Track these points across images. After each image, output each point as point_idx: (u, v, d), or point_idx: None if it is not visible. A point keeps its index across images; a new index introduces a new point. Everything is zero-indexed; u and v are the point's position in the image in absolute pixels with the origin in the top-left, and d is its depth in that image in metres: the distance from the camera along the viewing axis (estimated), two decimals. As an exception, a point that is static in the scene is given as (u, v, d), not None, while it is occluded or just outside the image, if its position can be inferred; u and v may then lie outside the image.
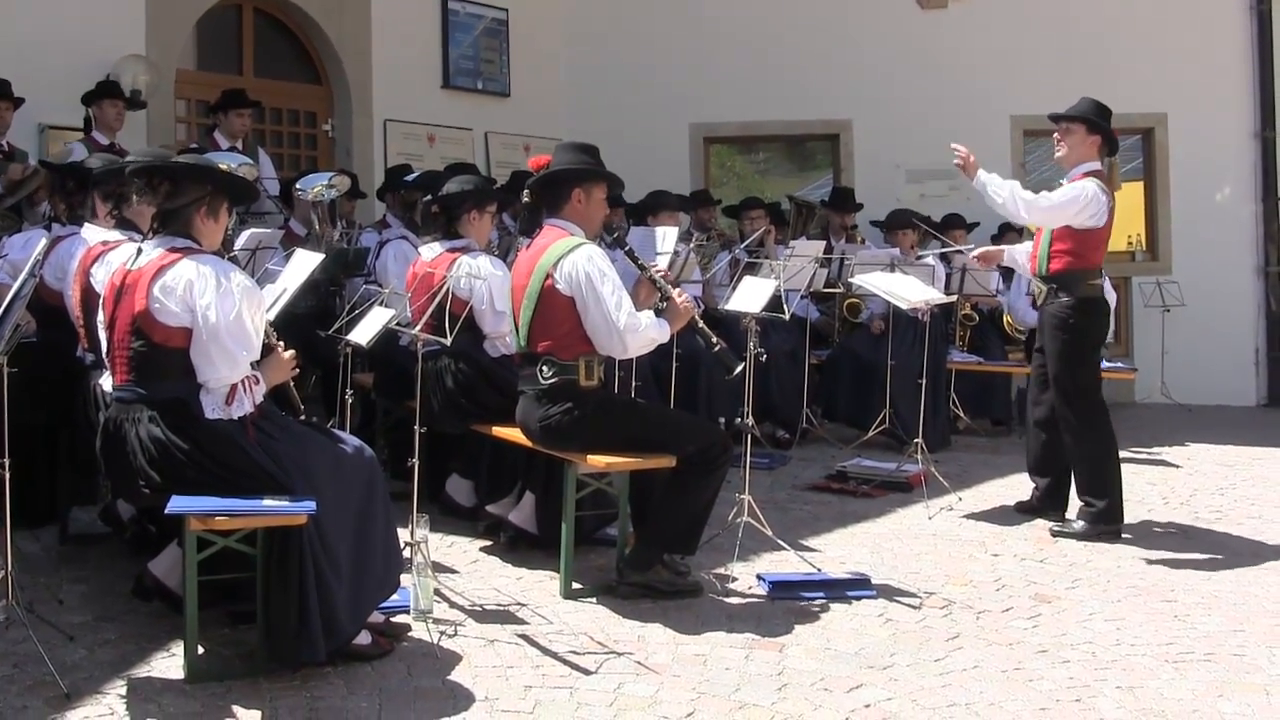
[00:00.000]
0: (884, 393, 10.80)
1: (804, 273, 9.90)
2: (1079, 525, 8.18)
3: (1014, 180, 8.30)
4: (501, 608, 6.39)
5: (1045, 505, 8.53)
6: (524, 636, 5.94)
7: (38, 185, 8.67)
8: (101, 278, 6.27)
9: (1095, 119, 8.27)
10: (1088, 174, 8.15)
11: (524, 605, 6.43)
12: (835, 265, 11.32)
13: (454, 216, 7.90)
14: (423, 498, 6.56)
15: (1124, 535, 8.09)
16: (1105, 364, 11.25)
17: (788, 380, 11.26)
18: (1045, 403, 8.41)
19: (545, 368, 6.51)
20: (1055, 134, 8.44)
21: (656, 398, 9.03)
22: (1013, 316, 12.49)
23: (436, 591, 6.34)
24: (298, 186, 9.96)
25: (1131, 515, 8.61)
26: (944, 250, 10.67)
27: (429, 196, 8.45)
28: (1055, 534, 8.20)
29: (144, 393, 5.31)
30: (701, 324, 6.91)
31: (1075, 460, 8.28)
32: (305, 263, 6.77)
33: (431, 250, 7.90)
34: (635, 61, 15.02)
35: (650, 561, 6.59)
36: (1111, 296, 12.03)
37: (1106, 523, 8.11)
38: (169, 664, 5.45)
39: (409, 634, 5.86)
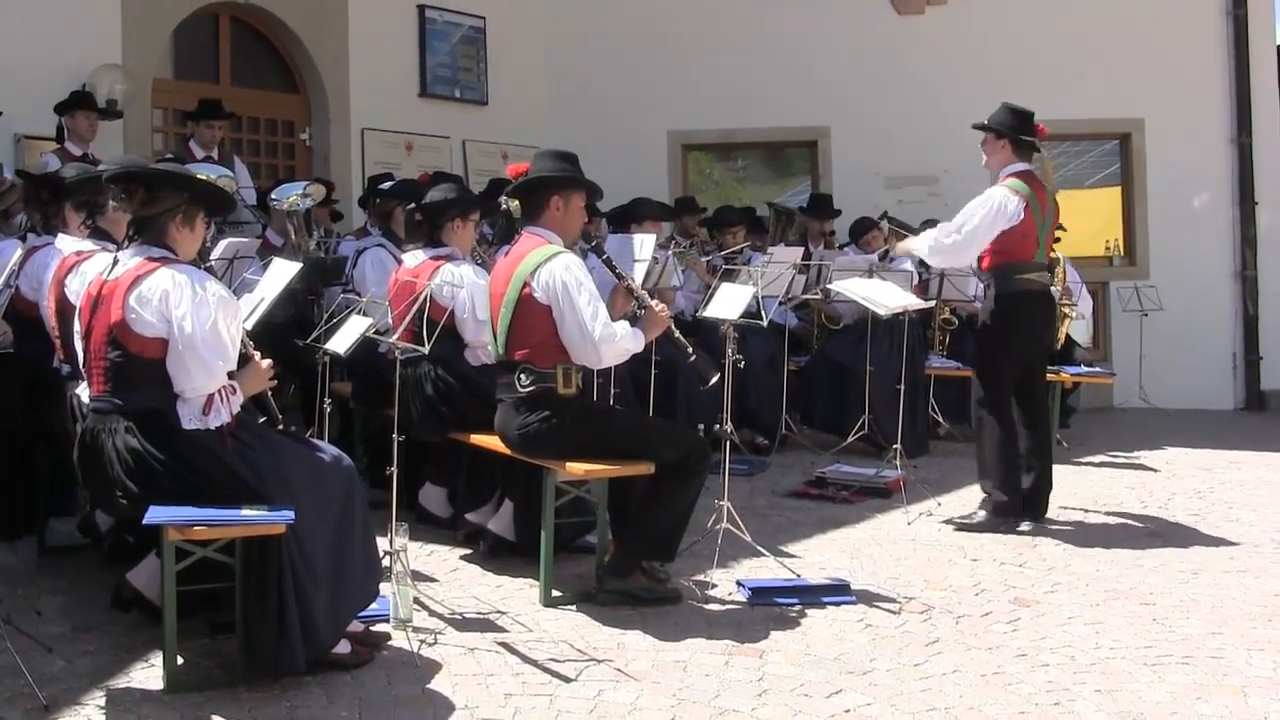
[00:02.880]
0: (862, 398, 10.83)
1: (782, 279, 9.91)
2: (980, 516, 8.43)
3: (926, 232, 8.65)
4: (481, 616, 6.39)
5: (1028, 510, 8.57)
6: (504, 644, 5.94)
7: (15, 198, 8.64)
8: (76, 288, 6.26)
9: (995, 126, 8.58)
10: (1013, 174, 8.41)
11: (504, 613, 6.43)
12: (813, 271, 11.32)
13: (437, 225, 7.89)
14: (402, 506, 6.56)
15: (1102, 539, 8.15)
16: (1084, 369, 11.35)
17: (766, 387, 11.27)
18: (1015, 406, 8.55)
19: (523, 375, 6.51)
20: (981, 143, 8.73)
21: (635, 405, 9.04)
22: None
23: (416, 600, 6.33)
24: (272, 196, 9.95)
25: (1110, 519, 8.69)
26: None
27: (411, 205, 8.46)
28: (958, 526, 8.41)
29: (121, 403, 5.29)
30: (677, 334, 6.92)
31: (981, 452, 8.52)
32: (283, 272, 6.77)
33: (415, 258, 7.90)
34: (613, 69, 15.05)
35: (630, 568, 6.60)
36: (1086, 303, 12.13)
37: (1006, 517, 8.33)
38: (148, 674, 5.44)
39: (388, 643, 5.86)
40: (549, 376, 6.49)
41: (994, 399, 8.41)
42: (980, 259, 8.53)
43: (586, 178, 6.90)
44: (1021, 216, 8.22)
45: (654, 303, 6.79)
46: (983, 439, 8.52)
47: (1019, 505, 8.39)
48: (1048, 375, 10.96)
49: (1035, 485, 8.57)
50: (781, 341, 11.44)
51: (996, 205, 8.21)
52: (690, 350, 6.90)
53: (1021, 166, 8.48)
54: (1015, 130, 8.50)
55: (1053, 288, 11.47)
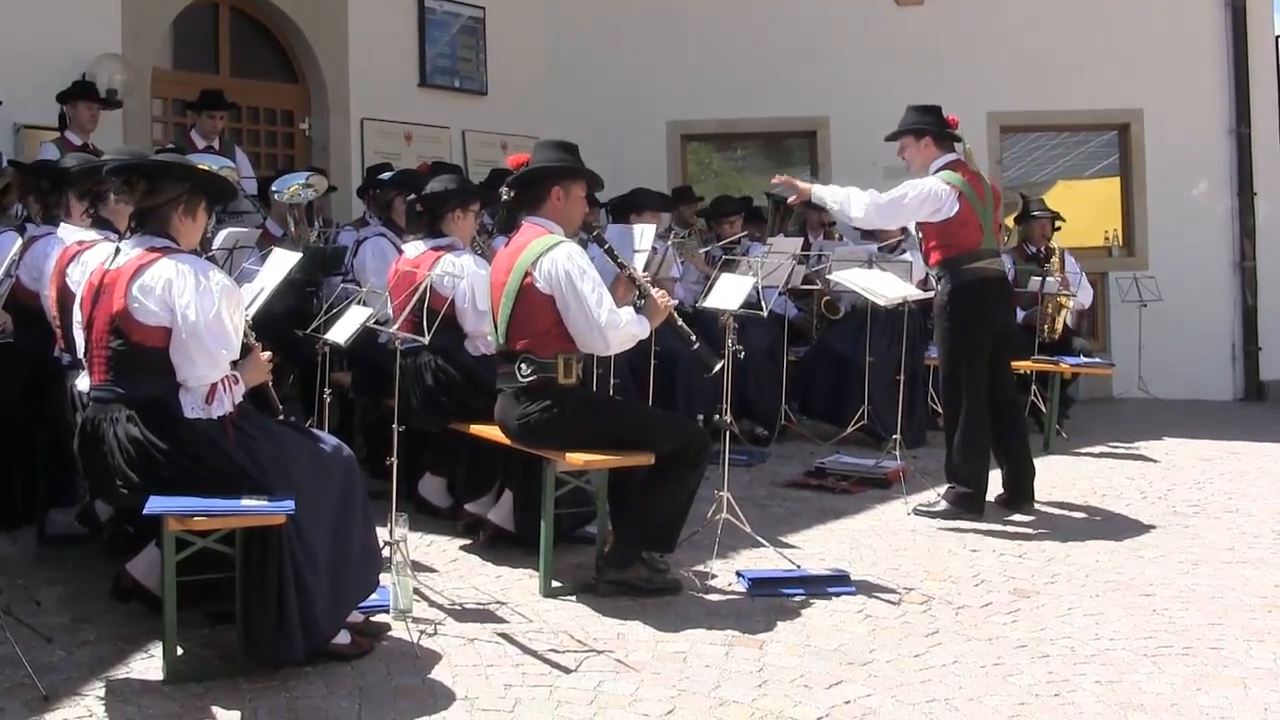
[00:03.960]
0: (862, 389, 10.83)
1: (782, 269, 9.91)
2: (942, 506, 8.46)
3: (852, 187, 8.62)
4: (481, 606, 6.39)
5: (1011, 495, 8.67)
6: (503, 635, 5.94)
7: (5, 184, 8.61)
8: (77, 278, 6.26)
9: (911, 127, 8.65)
10: (944, 167, 8.47)
11: (503, 604, 6.43)
12: (813, 261, 11.30)
13: (438, 215, 7.90)
14: (401, 496, 6.56)
15: (1102, 530, 8.16)
16: (1083, 360, 11.33)
17: (766, 377, 11.27)
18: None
19: (524, 365, 6.50)
20: (898, 151, 8.80)
21: (635, 395, 9.04)
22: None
23: (416, 590, 6.34)
24: (273, 188, 9.93)
25: (1109, 510, 8.71)
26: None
27: (411, 195, 8.46)
28: (918, 512, 8.48)
29: (122, 392, 5.29)
30: (680, 322, 6.92)
31: (951, 443, 8.54)
32: (283, 261, 6.76)
33: (415, 248, 7.91)
34: (612, 59, 15.02)
35: (629, 559, 6.60)
36: (1087, 294, 12.13)
37: (968, 509, 8.37)
38: (148, 665, 5.44)
39: (388, 633, 5.86)
40: (549, 366, 6.49)
41: (960, 391, 8.44)
42: (927, 255, 8.59)
43: (587, 167, 6.90)
44: (957, 206, 8.28)
45: (656, 291, 6.79)
46: (950, 431, 8.57)
47: (982, 499, 8.42)
48: (1046, 366, 11.06)
49: (1018, 477, 8.62)
50: (781, 332, 11.44)
51: (928, 190, 8.30)
52: (694, 338, 6.91)
53: (950, 158, 8.55)
54: (934, 125, 8.58)
55: (1051, 277, 11.57)
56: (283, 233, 9.74)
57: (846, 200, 8.45)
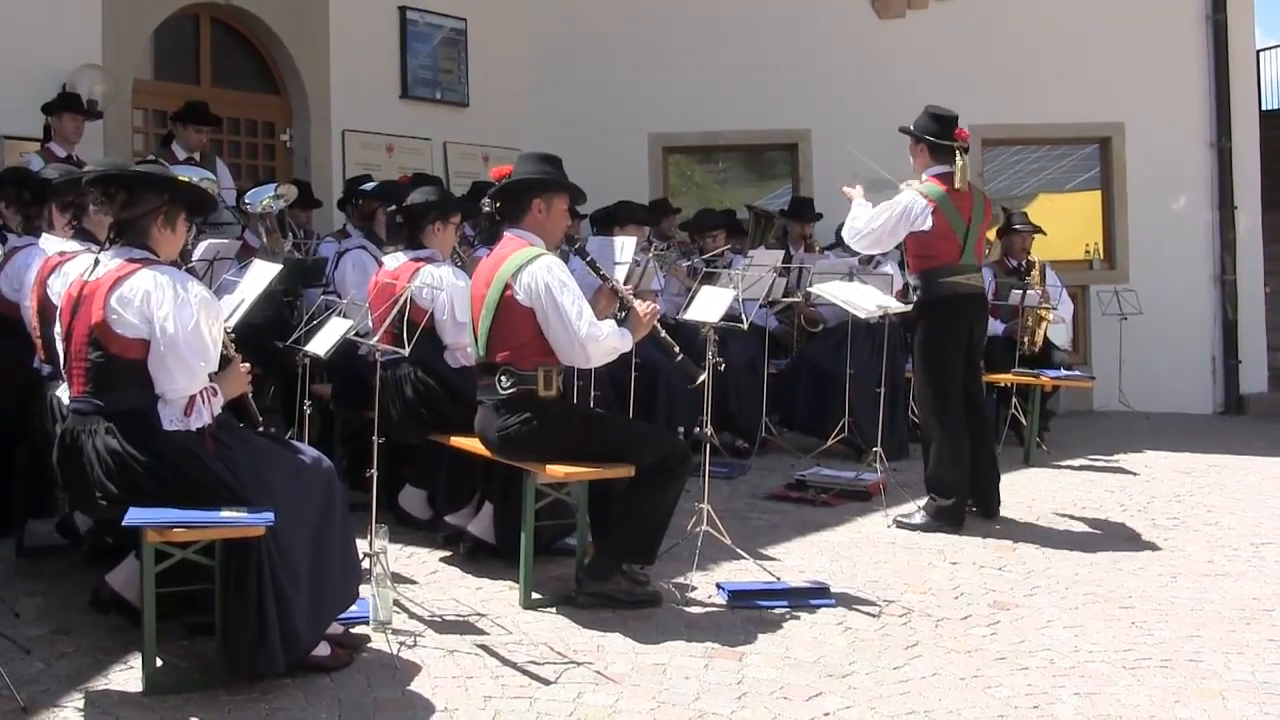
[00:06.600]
0: (842, 401, 10.83)
1: (762, 282, 9.91)
2: (920, 518, 8.49)
3: (869, 207, 8.78)
4: (461, 618, 6.38)
5: (976, 507, 8.69)
6: (483, 647, 5.93)
7: None
8: (58, 289, 6.24)
9: (911, 130, 8.86)
10: (933, 176, 8.63)
11: (483, 615, 6.43)
12: (794, 274, 11.32)
13: (418, 227, 7.90)
14: (381, 508, 6.55)
15: (1081, 542, 8.19)
16: (1063, 372, 11.35)
17: (746, 389, 11.26)
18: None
19: (504, 378, 6.50)
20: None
21: (615, 408, 9.04)
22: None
23: (395, 602, 6.33)
24: (246, 200, 9.91)
25: (1089, 523, 8.71)
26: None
27: (392, 207, 8.46)
28: (898, 524, 8.51)
29: (101, 404, 5.29)
30: (663, 334, 6.93)
31: (928, 455, 8.59)
32: (263, 273, 6.76)
33: (395, 260, 7.90)
34: (594, 71, 15.04)
35: (609, 571, 6.60)
36: (1067, 307, 12.16)
37: (948, 521, 8.41)
38: (127, 676, 5.43)
39: (368, 645, 5.86)
40: (530, 379, 6.49)
41: (935, 404, 8.51)
42: (908, 264, 8.77)
43: (569, 180, 6.90)
44: (930, 221, 8.37)
45: (638, 303, 6.80)
46: (927, 443, 8.62)
47: (961, 511, 8.45)
48: (1026, 379, 11.08)
49: (984, 485, 8.65)
50: (762, 344, 11.43)
51: (901, 209, 8.44)
52: (677, 349, 6.92)
53: (939, 169, 8.64)
54: (933, 134, 8.68)
55: (1032, 290, 11.59)
56: (260, 243, 9.73)
57: (859, 212, 8.69)
